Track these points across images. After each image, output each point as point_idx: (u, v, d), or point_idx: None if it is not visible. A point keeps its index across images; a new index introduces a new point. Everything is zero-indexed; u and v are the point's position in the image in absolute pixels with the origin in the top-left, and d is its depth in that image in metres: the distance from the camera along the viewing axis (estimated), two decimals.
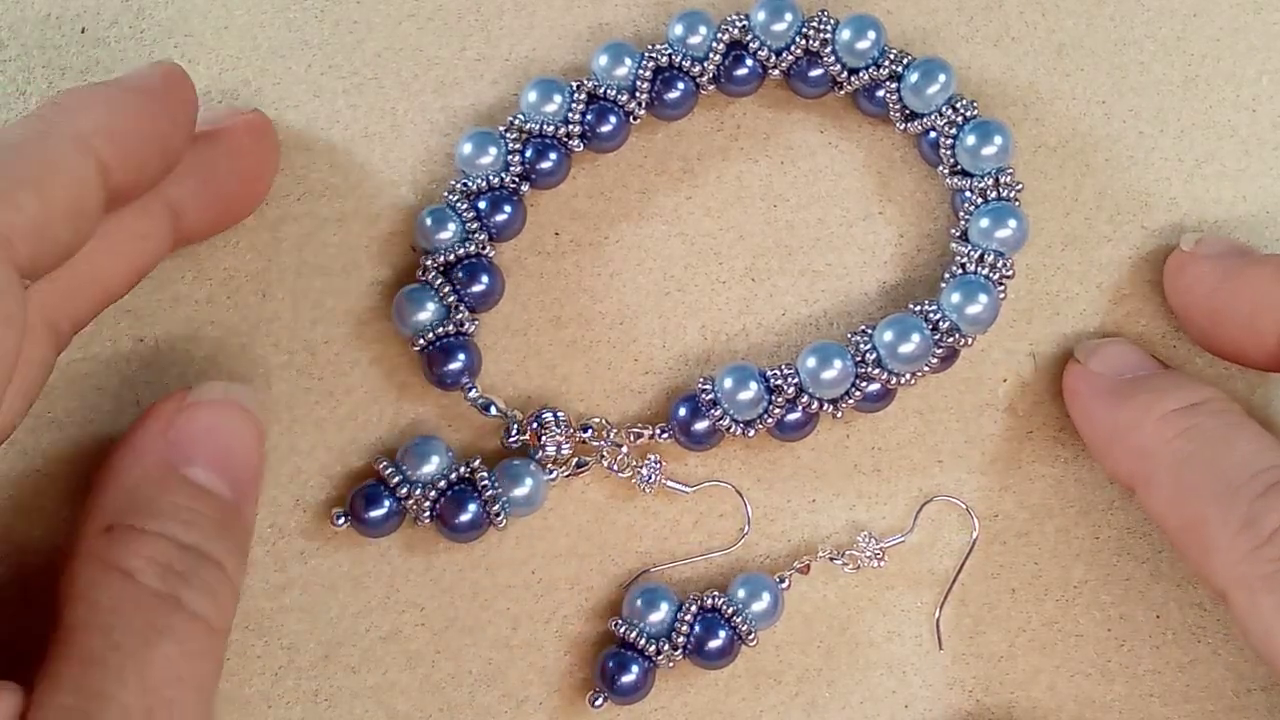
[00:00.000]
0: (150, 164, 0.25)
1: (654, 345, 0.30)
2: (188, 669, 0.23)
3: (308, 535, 0.29)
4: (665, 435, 0.29)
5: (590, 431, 0.29)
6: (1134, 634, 0.29)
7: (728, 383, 0.28)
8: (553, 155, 0.29)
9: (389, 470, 0.28)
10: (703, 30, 0.29)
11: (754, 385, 0.28)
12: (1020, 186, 0.29)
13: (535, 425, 0.28)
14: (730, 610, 0.28)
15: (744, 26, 0.29)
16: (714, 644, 0.28)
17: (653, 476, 0.29)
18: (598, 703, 0.28)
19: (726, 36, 0.29)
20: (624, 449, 0.29)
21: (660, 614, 0.28)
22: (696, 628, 0.28)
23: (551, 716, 0.29)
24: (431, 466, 0.28)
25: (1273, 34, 0.31)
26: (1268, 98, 0.31)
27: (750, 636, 0.28)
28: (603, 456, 0.29)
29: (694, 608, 0.28)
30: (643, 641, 0.28)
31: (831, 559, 0.29)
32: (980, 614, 0.29)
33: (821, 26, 0.29)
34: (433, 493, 0.28)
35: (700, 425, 0.28)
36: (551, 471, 0.29)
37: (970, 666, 0.29)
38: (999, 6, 0.31)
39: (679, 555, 0.29)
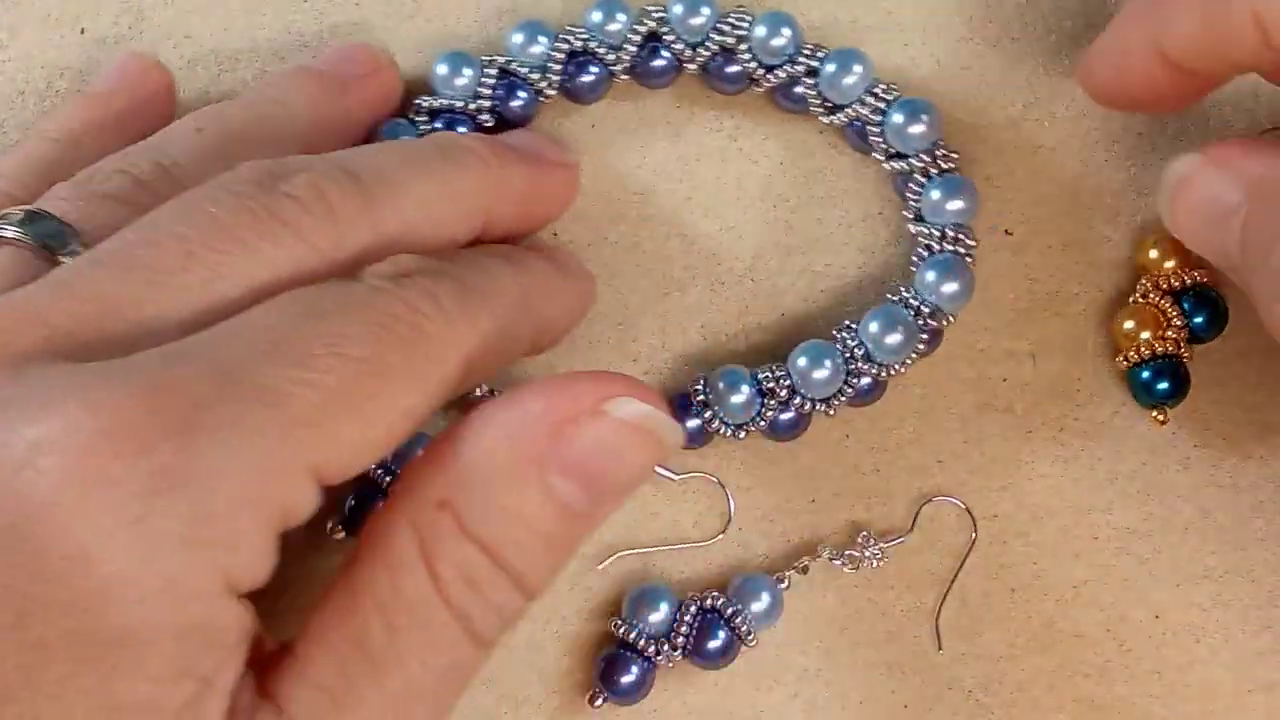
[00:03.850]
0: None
1: (654, 346, 0.30)
2: (442, 688, 0.22)
3: (307, 537, 0.29)
4: None
5: None
6: (1134, 634, 0.29)
7: (720, 386, 0.28)
8: (462, 130, 0.29)
9: (383, 475, 0.28)
10: (620, 18, 0.29)
11: (746, 389, 0.28)
12: (957, 155, 0.29)
13: None
14: (730, 610, 0.28)
15: (661, 18, 0.29)
16: (713, 644, 0.28)
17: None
18: (597, 703, 0.28)
19: (644, 28, 0.29)
20: None
21: (659, 614, 0.28)
22: (695, 628, 0.28)
23: (551, 717, 0.29)
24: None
25: None
26: (1266, 98, 0.31)
27: (749, 637, 0.28)
28: None
29: (693, 608, 0.28)
30: (642, 642, 0.28)
31: (831, 559, 0.29)
32: (980, 614, 0.29)
33: (738, 23, 0.29)
34: None
35: (692, 424, 0.28)
36: None
37: (970, 666, 0.29)
38: (999, 6, 0.31)
39: (677, 559, 0.29)
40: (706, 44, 0.29)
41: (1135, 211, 0.30)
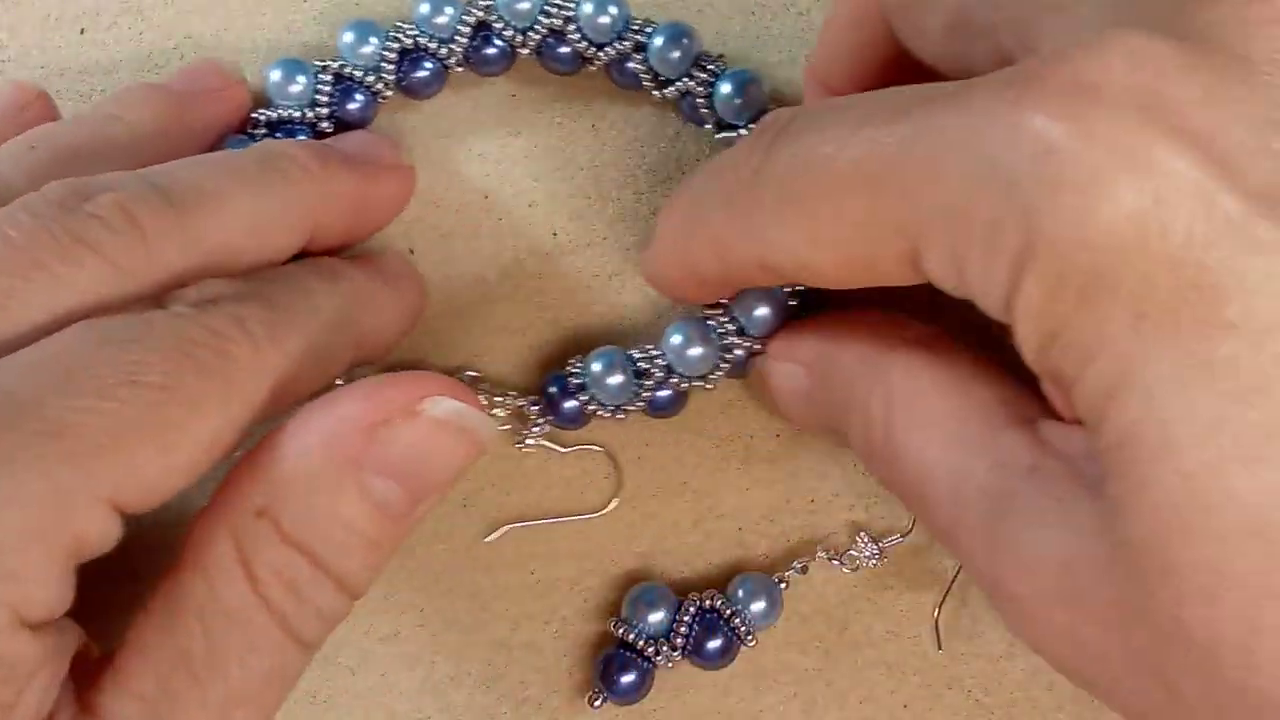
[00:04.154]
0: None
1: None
2: (264, 691, 0.22)
3: None
4: (535, 408, 0.29)
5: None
6: None
7: (596, 367, 0.28)
8: (303, 139, 0.29)
9: None
10: (448, 10, 0.29)
11: (622, 370, 0.28)
12: None
13: None
14: (729, 611, 0.28)
15: (489, 6, 0.29)
16: (713, 644, 0.28)
17: (531, 431, 0.29)
18: (597, 703, 0.28)
19: (472, 18, 0.29)
20: (506, 399, 0.29)
21: (659, 615, 0.28)
22: (695, 628, 0.28)
23: (551, 717, 0.29)
24: None
25: None
26: None
27: (749, 637, 0.28)
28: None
29: (693, 608, 0.28)
30: (641, 642, 0.28)
31: (830, 559, 0.29)
32: (979, 614, 0.29)
33: (565, 4, 0.29)
34: None
35: (569, 404, 0.28)
36: None
37: (969, 666, 0.29)
38: None
39: (677, 559, 0.29)
40: (536, 27, 0.29)
41: None
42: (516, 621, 0.29)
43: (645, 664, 0.28)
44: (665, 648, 0.28)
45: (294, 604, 0.22)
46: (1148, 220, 0.18)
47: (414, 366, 0.29)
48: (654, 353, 0.28)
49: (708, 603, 0.28)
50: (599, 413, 0.28)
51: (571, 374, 0.28)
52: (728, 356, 0.28)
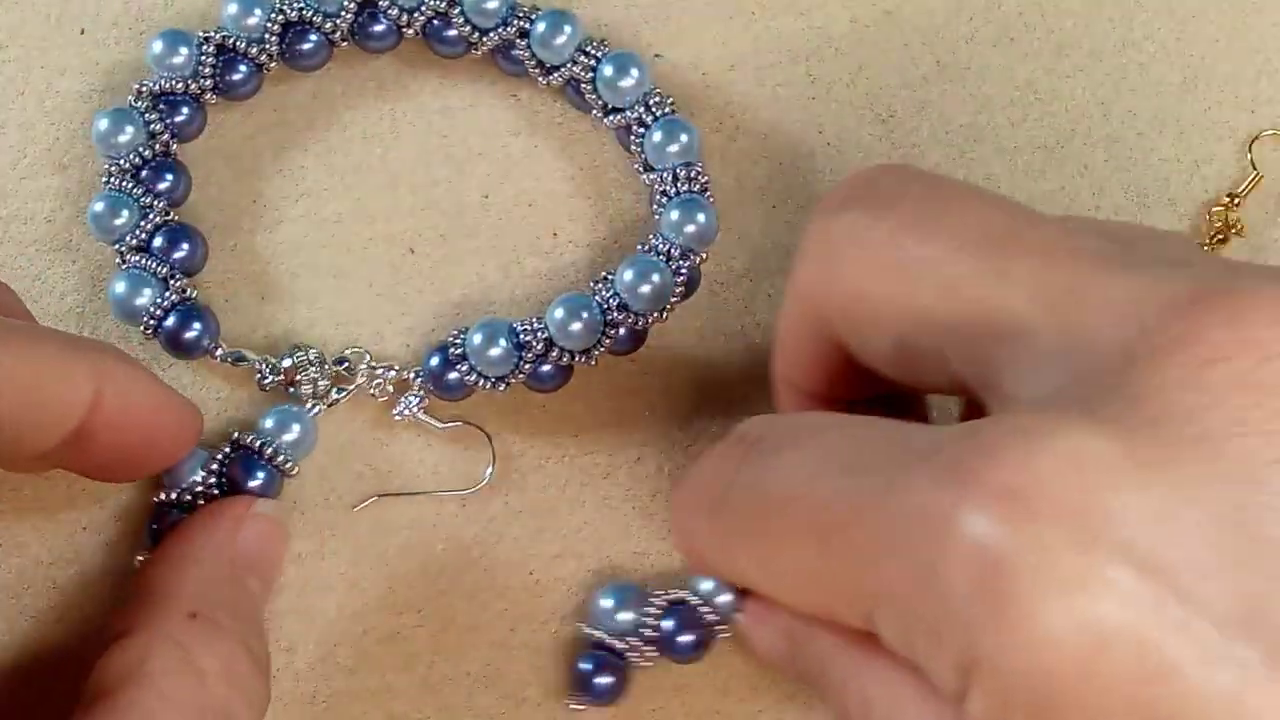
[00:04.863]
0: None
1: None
2: None
3: (303, 537, 0.29)
4: (418, 379, 0.29)
5: (346, 365, 0.29)
6: None
7: (477, 339, 0.28)
8: (185, 109, 0.29)
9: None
10: None
11: (503, 342, 0.28)
12: (673, 100, 0.29)
13: (288, 365, 0.28)
14: (695, 602, 0.27)
15: None
16: (684, 639, 0.27)
17: (408, 408, 0.29)
18: (578, 706, 0.28)
19: None
20: (388, 373, 0.29)
21: (628, 613, 0.27)
22: (666, 624, 0.27)
23: (551, 717, 0.29)
24: (198, 476, 0.28)
25: (1272, 35, 0.31)
26: (1267, 99, 0.31)
27: (719, 629, 0.27)
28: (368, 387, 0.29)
29: (661, 604, 0.27)
30: (609, 641, 0.27)
31: None
32: None
33: None
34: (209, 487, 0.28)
35: (451, 376, 0.28)
36: (314, 406, 0.29)
37: None
38: (999, 7, 0.31)
39: (675, 558, 0.29)
40: (421, 9, 0.29)
41: (1134, 212, 0.30)
42: (515, 622, 0.29)
43: (618, 662, 0.27)
44: (637, 645, 0.27)
45: (233, 692, 0.24)
46: (1091, 650, 0.17)
47: (307, 342, 0.29)
48: (536, 325, 0.28)
49: (674, 595, 0.27)
50: (481, 385, 0.28)
51: (453, 345, 0.28)
52: (610, 333, 0.28)
